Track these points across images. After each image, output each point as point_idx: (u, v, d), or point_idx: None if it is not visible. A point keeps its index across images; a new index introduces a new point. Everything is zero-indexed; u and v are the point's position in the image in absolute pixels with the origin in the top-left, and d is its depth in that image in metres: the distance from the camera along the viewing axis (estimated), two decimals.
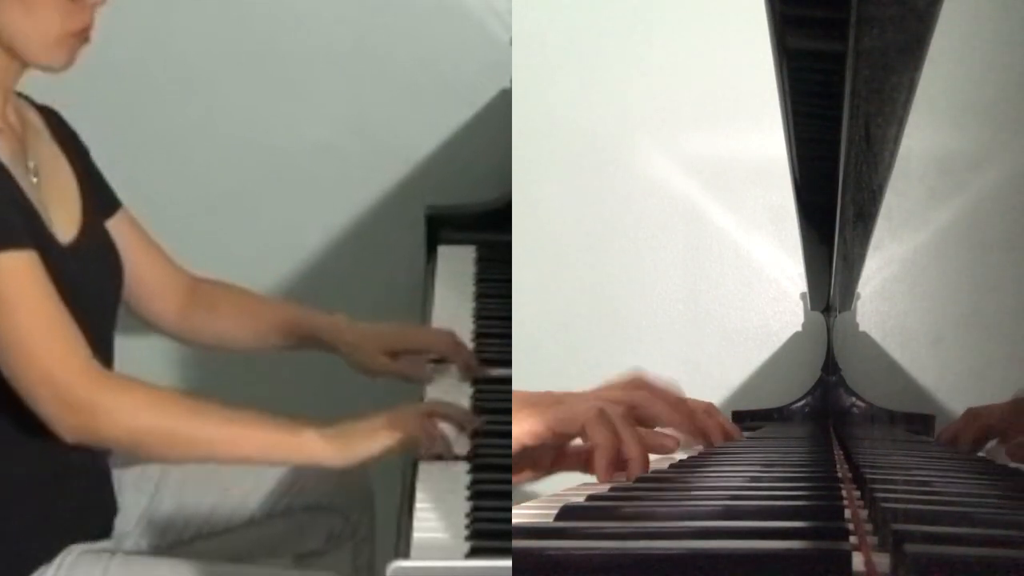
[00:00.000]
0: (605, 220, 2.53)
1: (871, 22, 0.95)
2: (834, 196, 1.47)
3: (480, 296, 1.90)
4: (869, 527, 0.89)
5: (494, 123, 2.16)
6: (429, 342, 1.70)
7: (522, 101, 2.15)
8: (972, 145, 2.02)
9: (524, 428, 1.30)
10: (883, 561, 0.73)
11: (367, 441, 1.44)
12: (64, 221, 1.49)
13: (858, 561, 0.72)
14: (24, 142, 1.49)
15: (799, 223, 1.77)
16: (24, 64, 1.47)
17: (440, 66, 2.18)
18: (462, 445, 1.47)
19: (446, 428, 1.48)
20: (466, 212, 2.11)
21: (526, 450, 1.32)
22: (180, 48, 2.16)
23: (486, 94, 2.18)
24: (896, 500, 0.91)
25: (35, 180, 1.47)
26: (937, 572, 0.64)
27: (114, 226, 1.62)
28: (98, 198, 1.60)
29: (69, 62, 1.47)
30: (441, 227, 2.08)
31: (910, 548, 0.66)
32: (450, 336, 1.70)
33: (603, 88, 2.50)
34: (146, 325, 1.71)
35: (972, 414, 1.69)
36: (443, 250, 2.05)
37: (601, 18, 2.48)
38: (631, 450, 1.25)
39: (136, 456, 1.42)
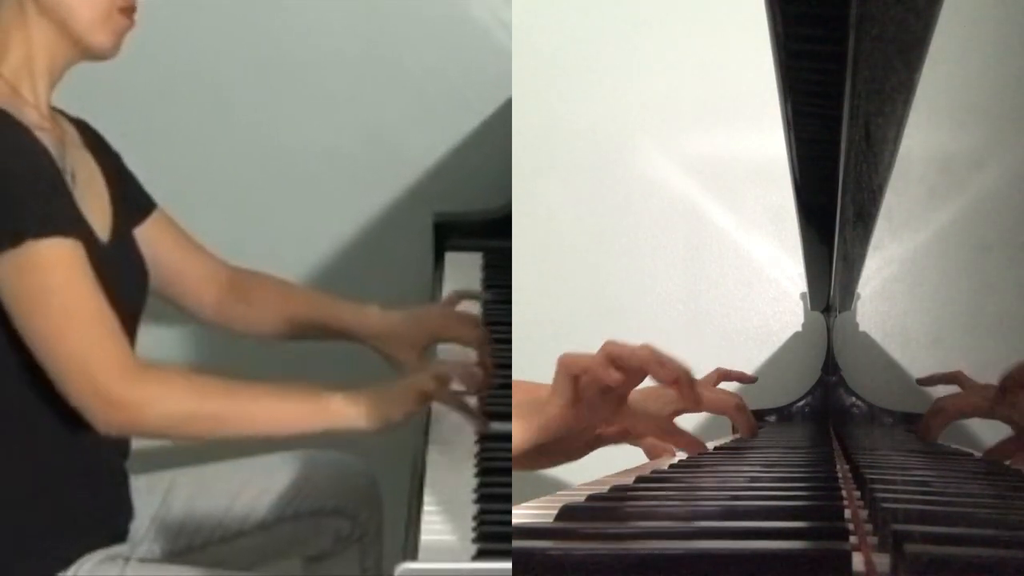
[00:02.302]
0: (605, 220, 2.53)
1: (871, 22, 0.95)
2: (834, 196, 1.47)
3: (487, 302, 1.91)
4: (869, 527, 0.89)
5: (501, 131, 2.17)
6: (457, 334, 1.73)
7: (522, 101, 2.15)
8: (972, 145, 2.02)
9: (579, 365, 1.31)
10: (883, 561, 0.73)
11: (394, 405, 1.48)
12: (98, 226, 1.52)
13: (858, 561, 0.72)
14: (64, 148, 1.51)
15: (799, 223, 1.77)
16: (73, 50, 1.49)
17: (448, 75, 2.18)
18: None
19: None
20: (473, 219, 2.12)
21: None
22: (191, 54, 2.17)
23: (493, 102, 2.19)
24: (896, 500, 0.91)
25: (73, 184, 1.49)
26: (937, 572, 0.64)
27: (151, 226, 1.66)
28: (131, 202, 1.63)
29: (115, 45, 1.50)
30: (448, 234, 2.09)
31: (910, 548, 0.66)
32: (475, 324, 1.73)
33: (603, 88, 2.50)
34: (187, 315, 1.75)
35: (937, 409, 1.69)
36: (450, 257, 2.07)
37: (601, 18, 2.48)
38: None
39: (173, 440, 1.44)
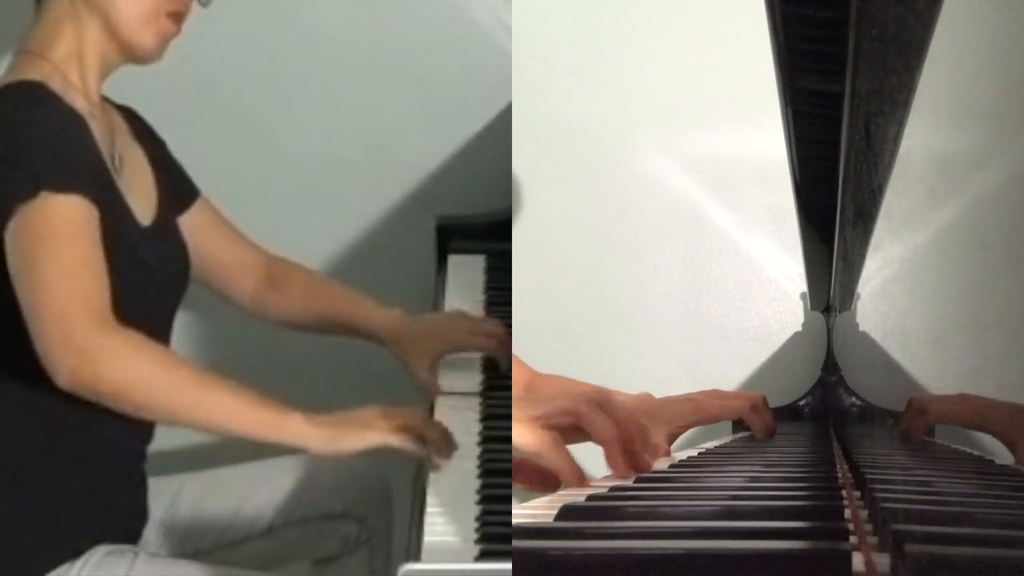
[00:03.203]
0: (605, 220, 2.53)
1: (871, 22, 0.95)
2: (834, 196, 1.47)
3: (489, 304, 1.91)
4: (869, 527, 0.89)
5: (503, 134, 2.17)
6: (479, 345, 1.73)
7: (522, 101, 2.15)
8: (972, 145, 2.02)
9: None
10: (883, 561, 0.73)
11: (354, 434, 1.45)
12: (142, 210, 1.55)
13: (858, 561, 0.72)
14: (112, 135, 1.55)
15: (799, 223, 1.77)
16: (118, 49, 1.53)
17: (450, 78, 2.19)
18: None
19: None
20: (476, 222, 2.12)
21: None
22: (194, 59, 2.16)
23: (495, 106, 2.19)
24: (896, 500, 0.91)
25: (120, 170, 1.53)
26: (937, 572, 0.64)
27: (194, 214, 1.69)
28: (175, 190, 1.66)
29: (157, 48, 1.54)
30: (451, 237, 2.09)
31: (910, 548, 0.66)
32: (494, 337, 1.72)
33: (603, 89, 2.50)
34: (225, 302, 1.77)
35: (917, 408, 1.70)
36: (453, 259, 2.07)
37: (601, 19, 2.48)
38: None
39: (122, 408, 1.42)
